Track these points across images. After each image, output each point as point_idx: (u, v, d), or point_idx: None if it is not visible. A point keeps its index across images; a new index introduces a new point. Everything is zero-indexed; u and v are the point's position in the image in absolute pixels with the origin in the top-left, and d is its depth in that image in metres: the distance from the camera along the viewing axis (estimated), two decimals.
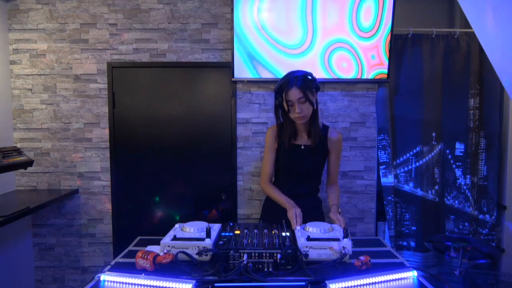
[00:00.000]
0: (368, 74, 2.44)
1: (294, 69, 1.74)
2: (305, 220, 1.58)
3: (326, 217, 1.93)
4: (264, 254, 1.23)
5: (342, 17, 2.38)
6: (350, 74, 2.44)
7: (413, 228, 2.64)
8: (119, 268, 1.27)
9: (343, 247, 1.28)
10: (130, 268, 1.25)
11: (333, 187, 1.91)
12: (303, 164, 1.77)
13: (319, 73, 2.42)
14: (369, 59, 2.42)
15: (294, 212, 1.57)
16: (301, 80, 1.61)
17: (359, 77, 2.44)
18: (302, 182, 1.82)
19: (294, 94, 1.60)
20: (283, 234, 1.40)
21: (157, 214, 2.59)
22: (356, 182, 2.57)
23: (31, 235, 2.60)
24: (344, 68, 2.42)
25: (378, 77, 2.44)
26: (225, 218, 2.54)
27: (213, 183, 2.57)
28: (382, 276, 1.17)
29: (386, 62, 2.42)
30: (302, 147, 1.77)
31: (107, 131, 2.55)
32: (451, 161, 2.65)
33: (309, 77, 1.65)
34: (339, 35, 2.39)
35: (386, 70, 2.43)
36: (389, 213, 2.55)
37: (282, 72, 2.39)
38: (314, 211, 1.83)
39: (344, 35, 2.39)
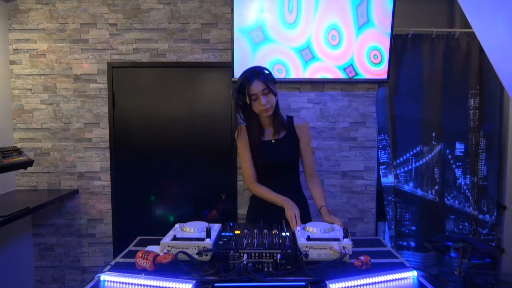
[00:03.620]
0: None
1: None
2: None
3: (313, 217, 1.91)
4: (264, 254, 1.23)
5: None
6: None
7: (413, 228, 2.64)
8: (119, 268, 1.27)
9: (343, 247, 1.28)
10: (130, 268, 1.25)
11: (313, 181, 1.84)
12: (278, 157, 1.75)
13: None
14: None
15: (293, 214, 1.57)
16: (260, 73, 1.66)
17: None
18: (283, 178, 1.79)
19: (257, 87, 1.63)
20: (283, 234, 1.40)
21: (157, 214, 2.59)
22: (356, 182, 2.57)
23: (31, 235, 2.60)
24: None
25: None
26: (225, 218, 2.54)
27: (213, 183, 2.57)
28: (382, 276, 1.17)
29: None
30: (273, 141, 1.77)
31: (107, 131, 2.55)
32: (451, 161, 2.64)
33: (265, 71, 1.71)
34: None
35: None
36: (389, 213, 2.55)
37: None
38: (301, 212, 1.70)
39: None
